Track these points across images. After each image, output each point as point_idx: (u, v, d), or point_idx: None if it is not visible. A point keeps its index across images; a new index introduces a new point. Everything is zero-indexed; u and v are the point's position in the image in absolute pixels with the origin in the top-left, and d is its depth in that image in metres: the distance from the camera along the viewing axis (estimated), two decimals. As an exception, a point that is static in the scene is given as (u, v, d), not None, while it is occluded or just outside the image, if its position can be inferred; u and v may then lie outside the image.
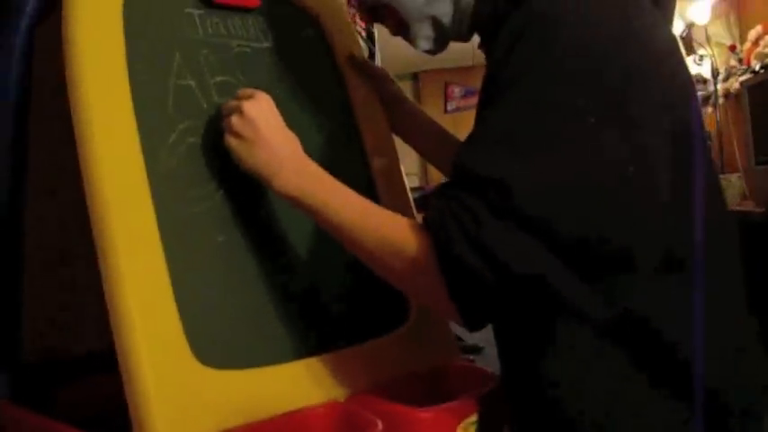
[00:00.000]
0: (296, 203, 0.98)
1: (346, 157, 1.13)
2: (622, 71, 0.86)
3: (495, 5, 0.99)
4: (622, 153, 0.84)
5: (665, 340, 0.89)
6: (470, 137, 0.91)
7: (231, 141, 1.00)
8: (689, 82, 0.96)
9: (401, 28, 1.10)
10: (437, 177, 8.21)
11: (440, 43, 1.11)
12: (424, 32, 1.09)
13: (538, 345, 0.92)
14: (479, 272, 0.83)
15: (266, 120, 1.00)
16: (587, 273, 0.85)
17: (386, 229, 0.93)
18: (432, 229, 0.87)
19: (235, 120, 0.99)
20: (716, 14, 5.15)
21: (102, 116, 0.92)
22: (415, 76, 8.86)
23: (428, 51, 1.13)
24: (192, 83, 1.05)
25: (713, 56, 5.05)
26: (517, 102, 0.87)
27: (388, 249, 0.91)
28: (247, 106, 0.99)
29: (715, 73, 4.98)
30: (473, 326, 0.90)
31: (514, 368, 1.00)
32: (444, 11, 1.06)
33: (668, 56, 0.94)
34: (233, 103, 1.01)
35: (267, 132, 0.99)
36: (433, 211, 0.88)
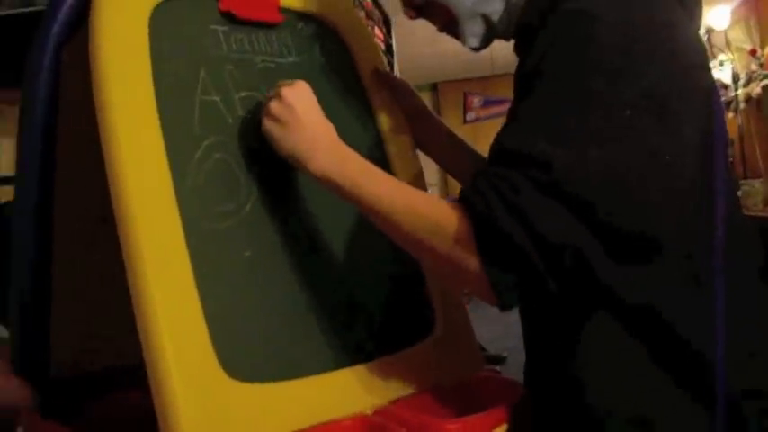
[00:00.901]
0: (332, 186, 0.99)
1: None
2: (656, 65, 0.88)
3: (542, 5, 1.00)
4: (657, 142, 0.86)
5: (687, 343, 0.90)
6: (508, 123, 0.93)
7: (269, 125, 1.02)
8: (713, 82, 0.98)
9: (450, 25, 1.12)
10: (457, 188, 8.19)
11: (486, 40, 1.13)
12: (474, 30, 1.10)
13: (566, 339, 0.94)
14: (514, 236, 0.84)
15: (304, 105, 1.02)
16: (620, 258, 0.87)
17: (422, 207, 0.94)
18: (468, 199, 0.88)
19: (273, 104, 1.01)
20: (735, 19, 5.13)
21: (129, 133, 0.93)
22: (434, 87, 8.87)
23: (474, 49, 1.14)
24: (217, 99, 1.06)
25: (733, 61, 5.02)
26: (556, 92, 0.89)
27: (425, 227, 0.92)
28: (286, 91, 1.01)
29: (735, 78, 4.96)
30: (504, 303, 0.89)
31: (540, 363, 1.01)
32: (495, 8, 1.07)
33: (698, 54, 0.96)
34: (273, 90, 1.04)
35: (304, 116, 1.01)
36: (470, 185, 0.89)
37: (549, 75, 0.90)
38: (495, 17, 1.08)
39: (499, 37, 1.12)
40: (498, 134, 0.94)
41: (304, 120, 1.00)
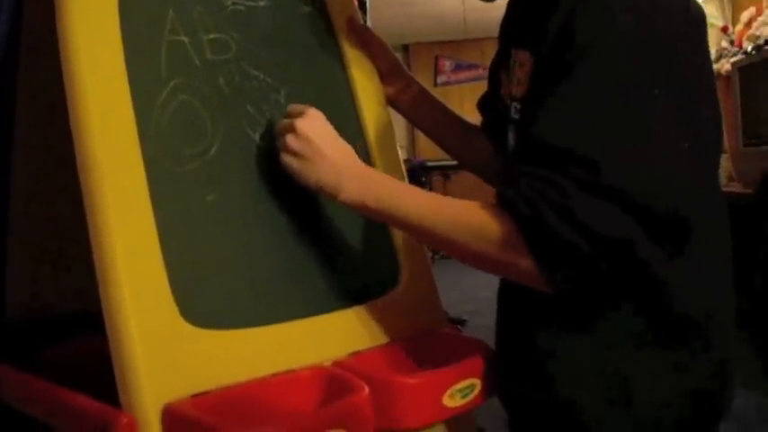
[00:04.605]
0: (366, 211, 1.00)
1: (340, 123, 1.12)
2: (677, 41, 0.90)
3: None
4: (687, 125, 0.88)
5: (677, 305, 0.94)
6: (545, 111, 0.91)
7: (290, 160, 1.02)
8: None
9: None
10: (425, 150, 8.22)
11: None
12: None
13: (562, 312, 0.96)
14: (570, 239, 0.85)
15: (321, 135, 1.02)
16: (661, 243, 0.88)
17: (463, 217, 0.94)
18: (514, 204, 0.88)
19: (290, 139, 1.01)
20: (709, -5, 5.13)
21: (93, 71, 0.91)
22: (405, 48, 8.82)
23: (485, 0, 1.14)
24: (185, 39, 1.03)
25: (705, 36, 5.03)
26: (588, 75, 0.88)
27: (470, 235, 0.93)
28: (300, 124, 1.01)
29: (706, 54, 4.97)
30: (560, 292, 0.91)
31: (518, 334, 1.02)
32: None
33: (704, 24, 0.97)
34: (285, 121, 1.03)
35: (324, 148, 1.01)
36: (513, 188, 0.89)
37: (577, 57, 0.88)
38: None
39: None
40: (536, 121, 0.92)
41: (324, 150, 1.01)
